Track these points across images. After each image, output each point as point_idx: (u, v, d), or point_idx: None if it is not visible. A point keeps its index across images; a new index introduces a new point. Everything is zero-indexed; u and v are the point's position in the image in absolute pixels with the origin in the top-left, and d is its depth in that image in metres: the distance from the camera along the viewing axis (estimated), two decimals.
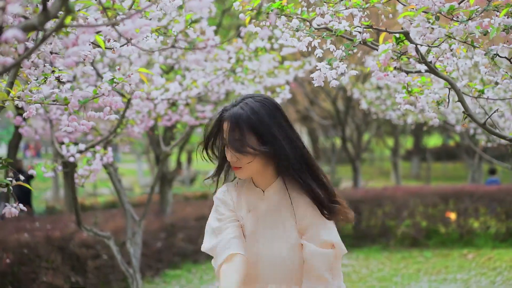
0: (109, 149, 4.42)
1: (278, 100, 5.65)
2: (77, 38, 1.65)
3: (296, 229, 2.28)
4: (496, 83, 3.14)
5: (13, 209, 2.19)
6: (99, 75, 4.89)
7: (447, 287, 7.72)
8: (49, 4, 1.53)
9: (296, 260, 2.26)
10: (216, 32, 5.70)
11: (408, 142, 31.46)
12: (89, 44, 1.92)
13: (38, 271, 6.82)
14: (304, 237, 2.26)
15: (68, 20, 1.55)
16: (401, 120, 8.57)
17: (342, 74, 2.58)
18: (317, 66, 2.55)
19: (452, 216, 11.08)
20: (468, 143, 18.67)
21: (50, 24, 1.75)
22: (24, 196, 11.34)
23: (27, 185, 2.36)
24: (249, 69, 4.87)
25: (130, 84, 2.23)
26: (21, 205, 2.30)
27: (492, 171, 15.18)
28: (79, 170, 4.35)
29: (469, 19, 2.38)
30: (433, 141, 32.90)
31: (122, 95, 4.16)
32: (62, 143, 4.51)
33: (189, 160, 25.70)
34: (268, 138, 2.23)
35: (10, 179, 2.22)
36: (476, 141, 10.43)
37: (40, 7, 1.44)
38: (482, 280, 8.00)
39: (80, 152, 4.38)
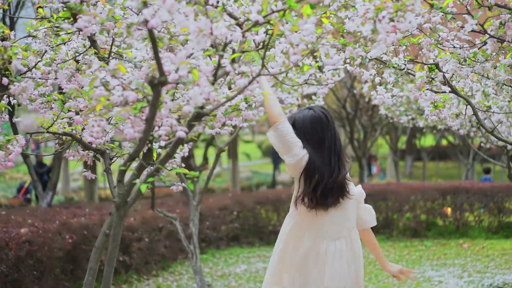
0: (186, 145, 5.45)
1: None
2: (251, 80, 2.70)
3: None
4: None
5: (176, 187, 3.22)
6: None
7: (447, 270, 8.79)
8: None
9: None
10: None
11: (401, 142, 32.57)
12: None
13: None
14: None
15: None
16: (410, 123, 9.66)
17: (394, 96, 3.66)
18: (377, 89, 3.63)
19: (449, 210, 12.19)
20: (458, 144, 19.77)
21: None
22: (45, 187, 11.94)
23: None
24: (295, 81, 5.92)
25: (255, 102, 3.28)
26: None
27: (487, 170, 16.30)
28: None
29: (485, 60, 3.45)
30: (426, 141, 33.96)
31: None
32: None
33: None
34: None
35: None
36: (468, 142, 11.52)
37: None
38: (477, 265, 9.09)
39: (161, 147, 5.41)
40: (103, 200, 16.47)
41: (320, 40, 2.60)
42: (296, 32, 2.35)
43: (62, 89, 3.35)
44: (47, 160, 17.42)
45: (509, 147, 7.15)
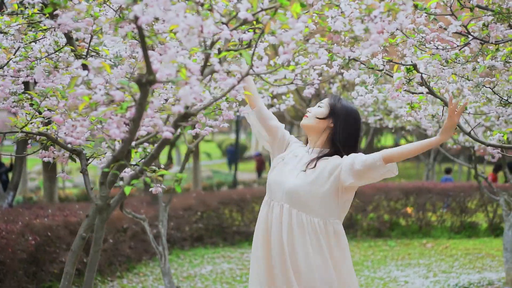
0: (155, 145, 5.36)
1: (283, 106, 6.68)
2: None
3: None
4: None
5: (159, 188, 3.14)
6: None
7: (412, 270, 8.85)
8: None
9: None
10: None
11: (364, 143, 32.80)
12: None
13: (58, 251, 7.67)
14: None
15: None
16: (377, 123, 9.69)
17: (374, 97, 3.63)
18: (358, 90, 3.59)
19: (410, 210, 12.32)
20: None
21: None
22: (4, 186, 11.70)
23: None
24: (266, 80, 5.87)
25: (237, 101, 3.22)
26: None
27: (448, 170, 16.50)
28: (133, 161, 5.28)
29: (466, 62, 3.44)
30: (387, 141, 34.28)
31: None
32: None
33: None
34: (336, 120, 3.46)
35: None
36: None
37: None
38: (442, 265, 9.17)
39: (132, 147, 5.31)
40: (63, 200, 16.27)
41: (309, 39, 2.55)
42: (286, 30, 2.30)
43: (29, 88, 3.24)
44: (5, 159, 17.07)
45: (476, 147, 7.22)
